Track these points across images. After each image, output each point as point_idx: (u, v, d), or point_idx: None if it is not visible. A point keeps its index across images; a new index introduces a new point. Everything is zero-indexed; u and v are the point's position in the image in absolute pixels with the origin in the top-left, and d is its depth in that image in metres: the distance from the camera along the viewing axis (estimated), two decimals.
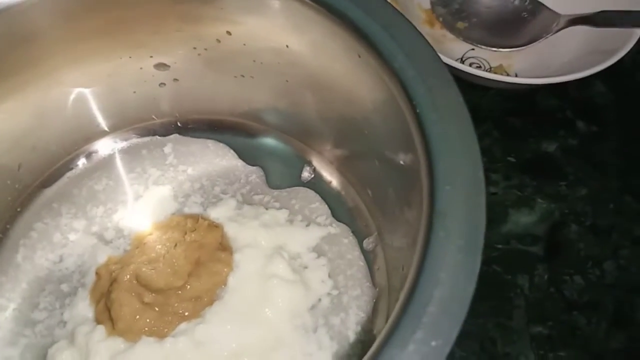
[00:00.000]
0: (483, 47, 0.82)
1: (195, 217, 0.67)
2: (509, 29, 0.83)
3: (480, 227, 0.43)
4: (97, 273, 0.64)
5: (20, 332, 0.62)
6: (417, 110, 0.48)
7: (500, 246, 0.70)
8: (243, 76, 0.68)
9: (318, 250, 0.66)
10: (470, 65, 0.84)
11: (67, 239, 0.67)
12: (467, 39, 0.83)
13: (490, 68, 0.84)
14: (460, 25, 0.84)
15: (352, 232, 0.68)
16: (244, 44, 0.63)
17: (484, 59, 0.85)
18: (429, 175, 0.46)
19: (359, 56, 0.54)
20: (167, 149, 0.74)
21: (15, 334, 0.62)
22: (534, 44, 0.81)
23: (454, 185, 0.45)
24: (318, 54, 0.59)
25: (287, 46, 0.61)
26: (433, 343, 0.39)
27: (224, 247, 0.65)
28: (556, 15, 0.81)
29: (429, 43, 0.52)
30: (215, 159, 0.74)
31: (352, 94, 0.58)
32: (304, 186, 0.72)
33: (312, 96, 0.65)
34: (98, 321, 0.62)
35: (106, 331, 0.60)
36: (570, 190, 0.74)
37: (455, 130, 0.47)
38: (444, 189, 0.45)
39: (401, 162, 0.53)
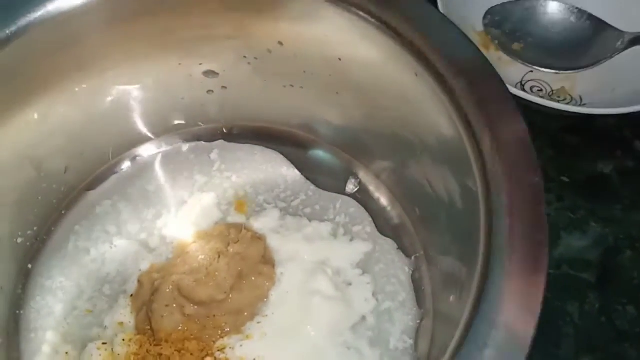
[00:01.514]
0: (542, 69, 0.78)
1: (239, 227, 0.67)
2: (569, 49, 0.79)
3: (541, 267, 0.41)
4: (139, 281, 0.64)
5: (64, 319, 0.63)
6: (477, 137, 0.46)
7: (550, 271, 0.66)
8: (292, 86, 0.67)
9: (362, 267, 0.65)
10: (532, 89, 0.80)
11: (111, 243, 0.67)
12: (524, 60, 0.78)
13: (552, 91, 0.80)
14: (517, 46, 0.80)
15: (397, 249, 0.66)
16: (296, 55, 0.62)
17: (544, 82, 0.81)
18: (487, 205, 0.44)
19: (416, 75, 0.52)
20: (214, 154, 0.73)
21: (60, 322, 0.63)
22: (598, 64, 0.77)
23: (514, 220, 0.43)
24: (372, 70, 0.57)
25: (339, 59, 0.60)
26: None
27: (267, 260, 0.64)
28: (620, 33, 0.77)
29: (491, 65, 0.50)
30: (261, 165, 0.73)
31: (407, 112, 0.57)
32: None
33: (363, 110, 0.64)
34: (138, 330, 0.61)
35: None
36: (626, 215, 0.71)
37: (515, 158, 0.45)
38: (502, 223, 0.43)
39: (456, 187, 0.52)
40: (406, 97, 0.55)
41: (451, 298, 0.53)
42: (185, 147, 0.74)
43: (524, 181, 0.45)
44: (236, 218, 0.69)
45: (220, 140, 0.74)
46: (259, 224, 0.68)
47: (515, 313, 0.40)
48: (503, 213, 0.43)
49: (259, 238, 0.66)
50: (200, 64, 0.66)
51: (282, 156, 0.73)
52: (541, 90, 0.81)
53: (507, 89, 0.49)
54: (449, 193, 0.54)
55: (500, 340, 0.39)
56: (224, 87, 0.69)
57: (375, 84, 0.58)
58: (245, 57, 0.64)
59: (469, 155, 0.47)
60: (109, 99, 0.66)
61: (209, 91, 0.69)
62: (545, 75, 0.81)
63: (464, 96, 0.48)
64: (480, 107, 0.48)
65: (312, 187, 0.71)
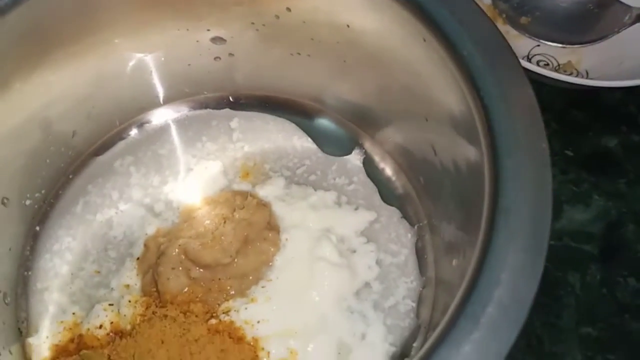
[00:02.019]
0: (549, 43, 0.78)
1: (244, 194, 0.67)
2: (576, 23, 0.79)
3: (545, 228, 0.42)
4: (145, 244, 0.65)
5: (71, 280, 0.64)
6: (484, 102, 0.47)
7: (552, 242, 0.67)
8: (299, 54, 0.67)
9: (367, 235, 0.66)
10: (538, 63, 0.80)
11: (117, 208, 0.68)
12: (531, 34, 0.79)
13: (559, 65, 0.80)
14: (524, 20, 0.80)
15: (401, 218, 0.67)
16: (304, 21, 0.62)
17: (551, 56, 0.81)
18: (492, 169, 0.45)
19: (424, 40, 0.52)
20: (219, 122, 0.73)
21: (67, 283, 0.64)
22: (605, 39, 0.77)
23: (519, 182, 0.43)
24: (381, 36, 0.57)
25: (348, 26, 0.59)
26: (491, 345, 0.38)
27: (272, 227, 0.65)
28: (628, 8, 0.76)
29: (499, 31, 0.50)
30: (272, 134, 0.73)
31: (414, 79, 0.56)
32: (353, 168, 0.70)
33: (370, 78, 0.64)
34: (144, 292, 0.62)
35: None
36: (630, 189, 0.72)
37: (523, 124, 0.46)
38: (508, 185, 0.43)
39: (462, 153, 0.52)
40: (414, 64, 0.55)
41: (454, 262, 0.53)
42: (191, 114, 0.74)
43: (531, 147, 0.45)
44: (242, 186, 0.70)
45: (225, 109, 0.74)
46: (264, 192, 0.68)
47: (518, 273, 0.40)
48: (508, 178, 0.44)
49: (264, 205, 0.66)
50: (208, 30, 0.66)
51: (294, 125, 0.73)
52: (548, 64, 0.81)
53: (515, 55, 0.49)
54: (454, 160, 0.55)
55: (503, 298, 0.39)
56: (231, 54, 0.69)
57: (384, 51, 0.58)
58: (253, 23, 0.64)
59: (475, 121, 0.47)
60: (117, 64, 0.66)
61: (216, 58, 0.69)
62: (552, 49, 0.81)
63: (472, 62, 0.48)
64: (489, 73, 0.48)
65: (319, 156, 0.71)
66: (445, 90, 0.52)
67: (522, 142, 0.45)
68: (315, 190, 0.69)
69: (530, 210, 0.42)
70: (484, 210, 0.44)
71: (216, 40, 0.67)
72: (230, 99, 0.74)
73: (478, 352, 0.37)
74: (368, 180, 0.70)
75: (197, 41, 0.67)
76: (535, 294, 0.39)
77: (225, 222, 0.63)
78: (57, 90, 0.61)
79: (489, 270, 0.40)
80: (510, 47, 0.49)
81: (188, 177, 0.70)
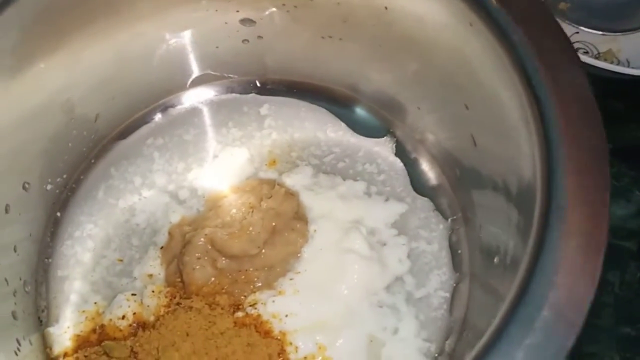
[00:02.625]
0: (589, 30, 0.75)
1: (271, 183, 0.65)
2: (617, 10, 0.76)
3: (603, 226, 0.39)
4: (169, 233, 0.63)
5: (92, 269, 0.62)
6: (536, 91, 0.44)
7: None
8: (331, 37, 0.64)
9: (398, 227, 0.63)
10: (577, 51, 0.77)
11: (140, 194, 0.66)
12: (571, 20, 0.76)
13: (599, 54, 0.77)
14: (563, 5, 0.77)
15: (433, 210, 0.64)
16: (338, 3, 0.59)
17: (590, 44, 0.78)
18: (545, 163, 0.42)
19: (471, 24, 0.49)
20: (249, 108, 0.71)
21: (89, 271, 0.62)
22: None
23: (575, 177, 0.41)
24: (421, 19, 0.55)
25: (386, 8, 0.57)
26: (546, 351, 0.35)
27: (300, 217, 0.63)
28: None
29: (551, 13, 0.47)
30: (303, 122, 0.70)
31: (456, 65, 0.54)
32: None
33: (406, 64, 0.61)
34: (168, 283, 0.60)
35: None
36: None
37: (578, 115, 0.43)
38: (563, 181, 0.41)
39: (508, 145, 0.49)
40: (457, 49, 0.52)
41: (495, 260, 0.51)
42: (217, 99, 0.72)
43: (587, 139, 0.42)
44: (268, 174, 0.67)
45: (252, 94, 0.72)
46: (292, 181, 0.66)
47: (574, 274, 0.38)
48: (563, 173, 0.41)
49: (292, 194, 0.64)
50: (237, 11, 0.63)
51: (327, 112, 0.70)
52: (587, 52, 0.78)
53: (570, 41, 0.46)
54: (497, 152, 0.52)
55: (559, 300, 0.37)
56: (260, 37, 0.66)
57: (424, 35, 0.55)
58: (284, 4, 0.62)
59: (526, 111, 0.45)
60: (141, 45, 0.64)
61: (244, 41, 0.67)
62: (592, 37, 0.78)
63: (523, 48, 0.45)
64: (541, 60, 0.45)
65: (348, 145, 0.69)
66: (492, 77, 0.49)
67: (578, 134, 0.42)
68: (344, 179, 0.66)
69: (587, 208, 0.39)
70: (536, 208, 0.41)
71: (245, 22, 0.64)
72: (257, 83, 0.72)
73: (532, 359, 0.35)
74: (399, 170, 0.67)
75: (226, 23, 0.64)
76: (593, 296, 0.37)
77: (252, 211, 0.61)
78: (80, 71, 0.59)
79: (542, 271, 0.38)
80: (564, 32, 0.46)
81: (213, 164, 0.68)
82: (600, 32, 0.76)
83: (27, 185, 0.58)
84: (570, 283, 0.37)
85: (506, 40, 0.46)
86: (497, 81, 0.48)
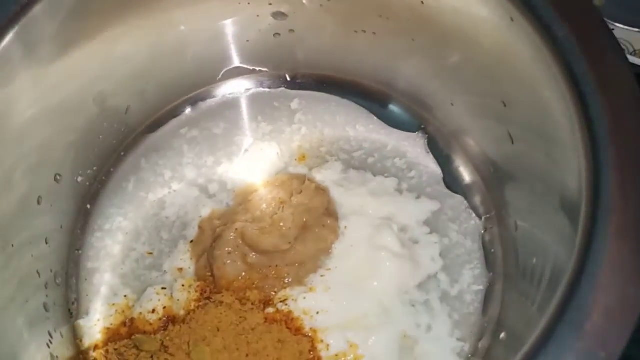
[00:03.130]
0: (625, 27, 0.73)
1: (302, 178, 0.64)
2: None
3: None
4: (200, 227, 0.62)
5: (122, 261, 0.62)
6: (581, 89, 0.43)
7: None
8: (364, 31, 0.63)
9: (430, 225, 0.62)
10: None
11: (170, 187, 0.66)
12: (606, 17, 0.73)
13: (635, 51, 0.75)
14: (598, 2, 0.75)
15: (467, 208, 0.63)
16: None
17: (626, 41, 0.76)
18: (591, 164, 0.41)
19: (512, 20, 0.48)
20: (280, 103, 0.70)
21: (118, 264, 0.62)
22: None
23: (623, 177, 0.39)
24: (459, 13, 0.53)
25: (422, 2, 0.56)
26: (597, 356, 0.34)
27: (330, 213, 0.62)
28: None
29: (598, 12, 0.46)
30: (335, 117, 0.69)
31: (495, 61, 0.53)
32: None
33: (441, 59, 0.60)
34: (198, 277, 0.60)
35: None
36: None
37: (625, 114, 0.42)
38: (611, 181, 0.39)
39: (548, 144, 0.48)
40: (497, 45, 0.51)
41: (534, 260, 0.50)
42: (248, 93, 0.71)
43: (636, 142, 0.41)
44: (298, 169, 0.67)
45: (282, 88, 0.71)
46: (322, 176, 0.65)
47: (625, 275, 0.37)
48: (611, 173, 0.40)
49: (323, 190, 0.63)
50: (270, 4, 0.62)
51: (358, 107, 0.70)
52: (623, 49, 0.76)
53: (617, 40, 0.45)
54: (536, 151, 0.51)
55: (609, 303, 0.36)
56: (292, 31, 0.65)
57: (462, 30, 0.54)
58: None
59: (570, 110, 0.43)
60: (173, 39, 0.64)
61: (275, 34, 0.66)
62: (628, 34, 0.76)
63: (567, 45, 0.44)
64: (587, 58, 0.44)
65: (378, 140, 0.68)
66: (533, 74, 0.48)
67: (626, 135, 0.41)
68: (375, 175, 0.66)
69: (637, 210, 0.38)
70: (583, 209, 0.40)
71: (277, 15, 0.64)
72: (288, 77, 0.71)
73: None
74: (431, 166, 0.66)
75: (258, 16, 0.64)
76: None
77: (283, 206, 0.61)
78: (113, 63, 0.59)
79: (591, 273, 0.37)
80: (610, 30, 0.45)
81: (243, 158, 0.67)
82: (637, 29, 0.74)
83: (58, 177, 0.58)
84: (622, 286, 0.36)
85: (550, 36, 0.45)
86: (538, 78, 0.47)
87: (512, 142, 0.55)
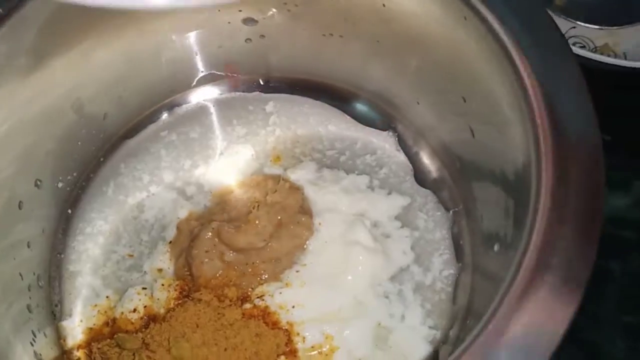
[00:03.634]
0: (585, 24, 0.76)
1: (276, 178, 0.66)
2: (612, 4, 0.77)
3: (598, 210, 0.41)
4: (178, 228, 0.64)
5: (104, 263, 0.64)
6: (530, 81, 0.45)
7: None
8: (332, 35, 0.66)
9: (401, 220, 0.64)
10: (574, 45, 0.78)
11: (149, 191, 0.68)
12: (567, 15, 0.76)
13: (596, 48, 0.78)
14: (559, 1, 0.78)
15: (436, 203, 0.66)
16: (338, 1, 0.61)
17: (587, 38, 0.79)
18: (538, 151, 0.43)
19: (465, 18, 0.50)
20: (254, 106, 0.72)
21: (100, 266, 0.64)
22: None
23: (570, 162, 0.42)
24: (418, 15, 0.56)
25: (384, 5, 0.58)
26: (543, 327, 0.37)
27: (305, 211, 0.64)
28: None
29: (544, 8, 0.48)
30: (308, 118, 0.72)
31: (453, 59, 0.55)
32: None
33: (405, 59, 0.62)
34: (177, 276, 0.62)
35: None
36: None
37: (572, 104, 0.44)
38: (558, 166, 0.42)
39: (505, 134, 0.50)
40: (453, 43, 0.54)
41: (495, 247, 0.52)
42: (222, 97, 0.73)
43: (582, 126, 0.43)
44: (273, 169, 0.69)
45: (256, 92, 0.74)
46: (296, 176, 0.67)
47: (570, 256, 0.39)
48: (558, 159, 0.42)
49: (296, 188, 0.65)
50: (240, 11, 0.65)
51: (330, 107, 0.72)
52: (584, 46, 0.79)
53: (563, 35, 0.47)
54: (495, 142, 0.53)
55: (555, 281, 0.38)
56: (262, 36, 0.68)
57: (421, 30, 0.57)
58: (285, 3, 0.63)
59: (520, 101, 0.46)
60: (147, 46, 0.66)
61: (247, 40, 0.68)
62: (589, 31, 0.79)
63: (516, 41, 0.47)
64: (534, 51, 0.46)
65: (350, 140, 0.70)
66: (486, 69, 0.51)
67: (568, 122, 0.44)
68: (347, 174, 0.68)
69: (582, 192, 0.41)
70: (532, 193, 0.42)
71: (248, 21, 0.66)
72: (261, 81, 0.73)
73: (529, 335, 0.36)
74: (401, 163, 0.69)
75: (229, 22, 0.66)
76: (589, 277, 0.38)
77: (258, 205, 0.63)
78: (89, 71, 0.61)
79: (537, 253, 0.39)
80: (555, 23, 0.48)
81: (219, 160, 0.69)
82: (597, 27, 0.77)
83: (39, 183, 0.60)
84: (566, 264, 0.39)
85: (500, 34, 0.47)
86: (491, 73, 0.50)
87: (473, 136, 0.58)
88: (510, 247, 0.47)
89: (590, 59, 0.68)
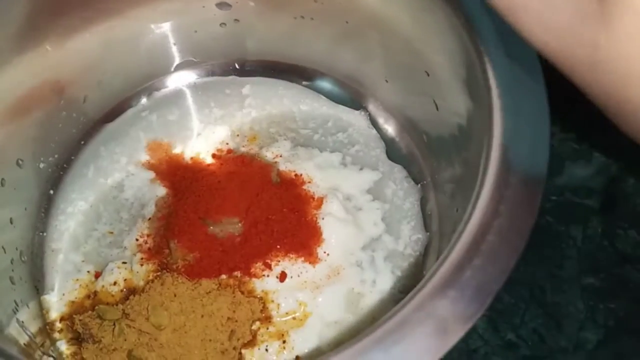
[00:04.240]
0: None
1: (252, 156, 0.69)
2: None
3: (542, 161, 0.43)
4: (156, 205, 0.67)
5: (85, 241, 0.66)
6: (482, 48, 0.48)
7: (554, 198, 0.69)
8: (303, 17, 0.68)
9: (372, 193, 0.67)
10: None
11: (127, 171, 0.70)
12: None
13: None
14: None
15: (406, 177, 0.68)
16: None
17: None
18: (491, 113, 0.46)
19: None
20: (231, 90, 0.75)
21: (81, 244, 0.66)
22: None
23: (517, 120, 0.45)
24: None
25: None
26: (490, 270, 0.39)
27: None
28: None
29: None
30: (282, 99, 0.74)
31: (418, 36, 0.58)
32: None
33: (372, 38, 0.65)
34: (156, 251, 0.64)
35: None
36: (629, 144, 0.72)
37: (521, 68, 0.47)
38: (507, 125, 0.45)
39: (463, 104, 0.53)
40: (415, 18, 0.57)
41: (457, 210, 0.55)
42: (199, 81, 0.76)
43: (530, 88, 0.46)
44: (248, 149, 0.71)
45: (232, 76, 0.76)
46: (272, 154, 0.70)
47: (516, 204, 0.42)
48: (507, 118, 0.45)
49: (272, 165, 0.68)
50: None
51: (303, 88, 0.75)
52: None
53: None
54: (455, 113, 0.56)
55: (503, 227, 0.41)
56: (237, 20, 0.70)
57: (386, 8, 0.60)
58: None
59: (475, 68, 0.49)
60: (125, 31, 0.68)
61: (221, 24, 0.71)
62: None
63: (471, 10, 0.50)
64: (487, 19, 0.49)
65: (323, 118, 0.73)
66: (446, 40, 0.53)
67: (521, 85, 0.46)
68: (321, 151, 0.70)
69: (528, 145, 0.44)
70: (484, 149, 0.45)
71: (222, 5, 0.68)
72: (237, 66, 0.76)
73: (478, 277, 0.39)
74: (373, 140, 0.71)
75: (203, 7, 0.68)
76: (533, 222, 0.41)
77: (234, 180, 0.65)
78: (68, 55, 0.63)
79: (488, 201, 0.42)
80: None
81: (196, 141, 0.71)
82: None
83: (20, 162, 0.62)
84: (513, 212, 0.41)
85: (460, 10, 0.50)
86: (450, 44, 0.52)
87: (437, 109, 0.61)
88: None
89: None
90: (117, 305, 0.60)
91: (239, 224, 0.63)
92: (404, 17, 0.58)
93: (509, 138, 0.44)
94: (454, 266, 0.39)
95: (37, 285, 0.63)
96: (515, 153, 0.43)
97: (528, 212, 0.41)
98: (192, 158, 0.70)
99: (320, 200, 0.65)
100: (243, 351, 0.58)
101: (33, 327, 0.58)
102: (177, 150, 0.71)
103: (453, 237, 0.41)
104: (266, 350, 0.58)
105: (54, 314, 0.61)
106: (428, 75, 0.60)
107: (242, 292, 0.60)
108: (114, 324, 0.58)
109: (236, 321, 0.58)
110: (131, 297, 0.60)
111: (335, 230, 0.63)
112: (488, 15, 0.49)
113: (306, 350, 0.58)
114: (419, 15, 0.56)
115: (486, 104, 0.46)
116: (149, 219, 0.66)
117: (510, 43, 0.48)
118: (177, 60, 0.74)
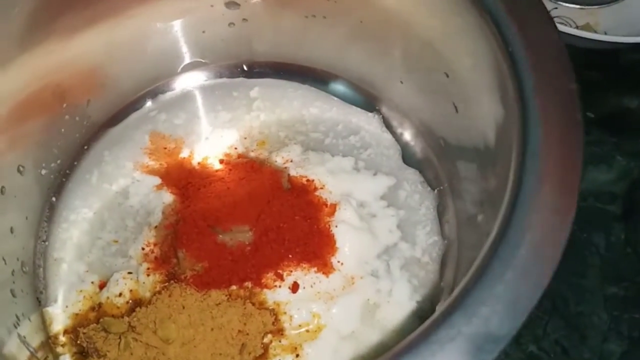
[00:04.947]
0: (567, 4, 0.78)
1: (261, 162, 0.66)
2: None
3: (576, 169, 0.41)
4: (163, 212, 0.64)
5: (89, 250, 0.64)
6: (511, 50, 0.45)
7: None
8: (314, 16, 0.66)
9: (387, 199, 0.65)
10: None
11: (133, 177, 0.67)
12: None
13: (577, 27, 0.80)
14: None
15: (421, 181, 0.66)
16: None
17: (569, 18, 0.80)
18: (521, 117, 0.43)
19: None
20: (239, 92, 0.72)
21: (85, 253, 0.63)
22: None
23: (548, 126, 0.42)
24: None
25: None
26: (523, 285, 0.37)
27: None
28: None
29: None
30: (292, 102, 0.72)
31: (435, 34, 0.55)
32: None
33: (387, 38, 0.63)
34: (163, 260, 0.61)
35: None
36: None
37: (551, 70, 0.45)
38: (537, 130, 0.42)
39: (487, 107, 0.51)
40: (435, 18, 0.54)
41: (479, 218, 0.52)
42: (206, 84, 0.73)
43: (560, 92, 0.44)
44: (258, 153, 0.69)
45: (240, 78, 0.74)
46: (282, 159, 0.67)
47: (550, 214, 0.39)
48: (537, 123, 0.43)
49: (281, 170, 0.65)
50: None
51: (314, 90, 0.72)
52: (566, 26, 0.80)
53: (544, 5, 0.47)
54: (478, 116, 0.54)
55: (536, 240, 0.38)
56: (245, 20, 0.68)
57: (402, 7, 0.57)
58: None
59: (503, 72, 0.46)
60: (129, 32, 0.66)
61: (230, 24, 0.68)
62: (570, 11, 0.80)
63: (498, 12, 0.47)
64: (516, 22, 0.46)
65: (334, 122, 0.70)
66: (470, 43, 0.51)
67: (551, 88, 0.44)
68: (333, 155, 0.68)
69: (560, 152, 0.41)
70: (513, 157, 0.42)
71: (230, 4, 0.66)
72: (245, 67, 0.73)
73: (511, 292, 0.37)
74: (387, 144, 0.69)
75: (212, 6, 0.66)
76: (568, 235, 0.38)
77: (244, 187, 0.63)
78: (71, 56, 0.61)
79: (520, 213, 0.39)
80: (542, 4, 0.48)
81: (204, 145, 0.69)
82: (579, 6, 0.78)
83: (21, 169, 0.60)
84: (546, 224, 0.39)
85: (482, 6, 0.48)
86: (474, 46, 0.50)
87: (457, 112, 0.58)
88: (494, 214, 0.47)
89: (573, 35, 0.69)
90: (122, 317, 0.58)
91: (250, 233, 0.61)
92: (423, 16, 0.55)
93: (543, 147, 0.41)
94: (485, 281, 0.37)
95: (39, 297, 0.61)
96: (547, 160, 0.41)
97: (562, 223, 0.39)
98: (199, 163, 0.67)
99: (333, 207, 0.62)
100: None
101: (35, 342, 0.56)
102: (184, 154, 0.68)
103: (482, 249, 0.39)
104: None
105: (57, 327, 0.59)
106: (447, 76, 0.57)
107: (253, 304, 0.58)
108: (120, 338, 0.55)
109: (247, 334, 0.56)
110: (137, 309, 0.57)
111: (350, 239, 0.60)
112: (511, 15, 0.46)
113: None
114: (440, 14, 0.53)
115: (516, 110, 0.43)
116: (156, 226, 0.64)
117: (539, 45, 0.46)
118: (184, 61, 0.72)
